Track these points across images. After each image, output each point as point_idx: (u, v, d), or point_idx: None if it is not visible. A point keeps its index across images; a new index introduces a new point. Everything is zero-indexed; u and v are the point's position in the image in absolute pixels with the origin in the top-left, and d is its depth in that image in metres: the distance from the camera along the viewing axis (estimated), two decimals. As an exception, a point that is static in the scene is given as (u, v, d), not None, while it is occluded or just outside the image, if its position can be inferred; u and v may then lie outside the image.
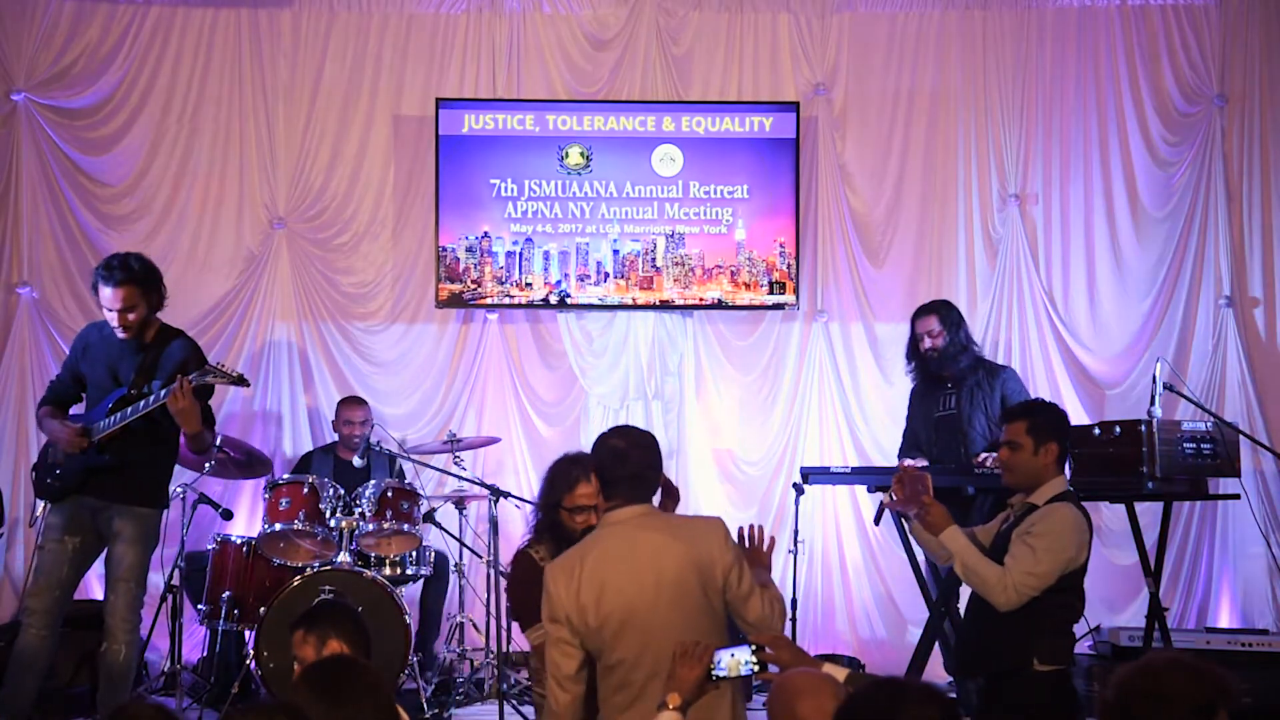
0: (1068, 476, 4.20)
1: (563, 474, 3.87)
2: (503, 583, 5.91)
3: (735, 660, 3.13)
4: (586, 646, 3.33)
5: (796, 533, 6.10)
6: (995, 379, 5.90)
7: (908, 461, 5.82)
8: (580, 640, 3.32)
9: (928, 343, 5.93)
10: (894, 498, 4.27)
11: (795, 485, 5.93)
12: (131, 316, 4.77)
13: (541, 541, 3.90)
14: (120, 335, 4.81)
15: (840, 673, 3.09)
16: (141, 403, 4.71)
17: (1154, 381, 5.53)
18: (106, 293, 4.74)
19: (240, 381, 4.78)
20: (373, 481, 5.97)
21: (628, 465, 3.40)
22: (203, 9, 7.15)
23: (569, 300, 7.09)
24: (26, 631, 4.80)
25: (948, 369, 5.91)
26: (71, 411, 5.04)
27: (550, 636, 3.35)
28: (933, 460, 5.83)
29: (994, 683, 4.05)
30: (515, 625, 6.11)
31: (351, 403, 6.70)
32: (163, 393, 4.65)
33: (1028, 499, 4.07)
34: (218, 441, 6.06)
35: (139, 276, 4.76)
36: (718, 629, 3.35)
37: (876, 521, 4.80)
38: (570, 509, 3.78)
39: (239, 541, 5.95)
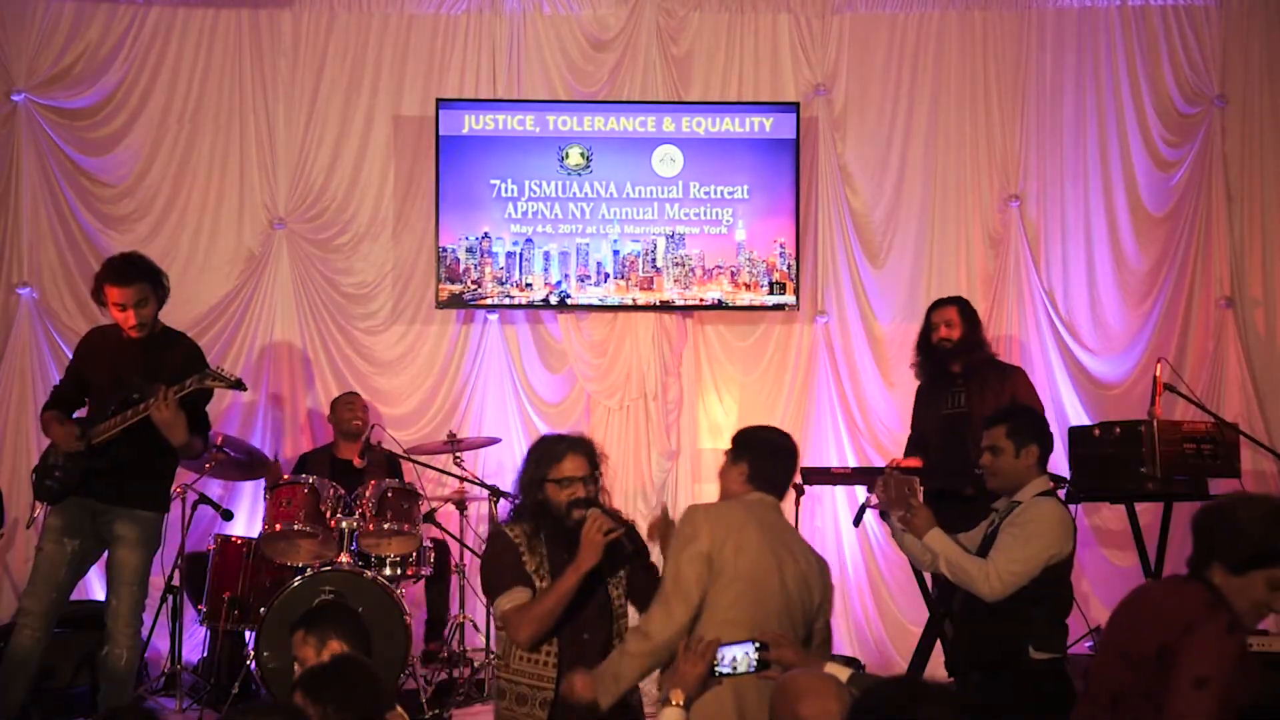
0: (1048, 476, 4.21)
1: (548, 449, 3.80)
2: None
3: (739, 658, 3.13)
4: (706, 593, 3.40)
5: (797, 533, 6.09)
6: (1005, 379, 5.74)
7: (897, 460, 5.81)
8: (707, 582, 3.37)
9: (943, 332, 5.79)
10: (878, 498, 4.25)
11: (795, 486, 5.90)
12: (144, 312, 4.79)
13: (519, 522, 3.79)
14: (133, 334, 4.82)
15: (843, 673, 3.09)
16: (142, 405, 4.70)
17: (1154, 382, 5.53)
18: (116, 291, 4.76)
19: (238, 385, 4.79)
20: (373, 482, 5.97)
21: (779, 459, 3.64)
22: (203, 9, 7.15)
23: (569, 301, 7.09)
24: (20, 632, 4.79)
25: (958, 362, 5.78)
26: (75, 415, 5.03)
27: (689, 562, 3.39)
28: (938, 461, 5.74)
29: (990, 676, 4.06)
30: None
31: (348, 395, 6.72)
32: (150, 402, 4.65)
33: (1012, 499, 4.10)
34: (218, 441, 6.06)
35: (146, 273, 4.79)
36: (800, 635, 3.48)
37: (856, 523, 4.78)
38: (558, 481, 3.71)
39: (239, 542, 5.95)
